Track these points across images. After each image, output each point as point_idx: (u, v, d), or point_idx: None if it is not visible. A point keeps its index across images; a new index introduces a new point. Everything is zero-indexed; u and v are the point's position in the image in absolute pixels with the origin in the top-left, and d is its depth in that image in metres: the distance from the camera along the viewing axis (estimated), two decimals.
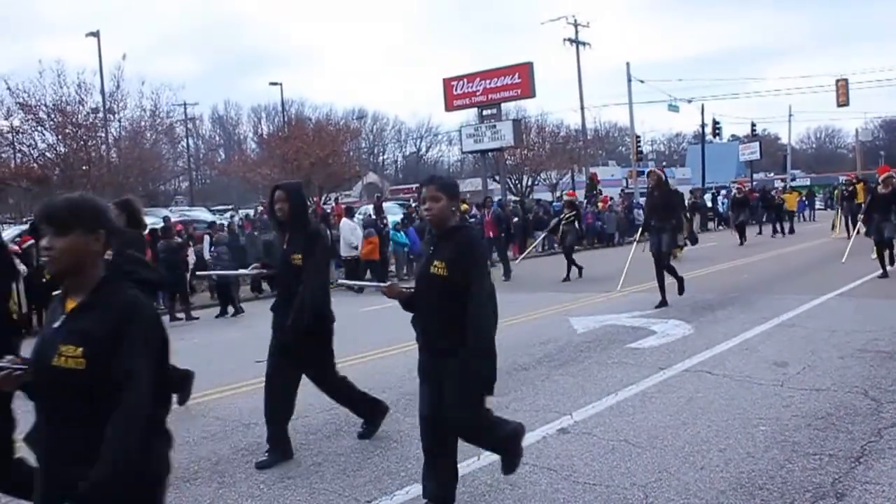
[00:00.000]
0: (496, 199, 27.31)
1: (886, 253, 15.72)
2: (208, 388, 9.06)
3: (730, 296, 13.97)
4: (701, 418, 6.61)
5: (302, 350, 6.24)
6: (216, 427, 7.36)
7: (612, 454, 5.84)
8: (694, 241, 19.24)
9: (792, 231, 32.47)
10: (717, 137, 59.30)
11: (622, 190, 48.08)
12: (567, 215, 20.51)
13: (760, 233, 32.16)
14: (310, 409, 7.75)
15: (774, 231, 31.91)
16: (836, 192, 26.98)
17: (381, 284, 5.16)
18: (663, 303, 13.21)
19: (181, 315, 17.51)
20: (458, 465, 5.71)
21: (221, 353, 12.05)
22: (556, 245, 27.60)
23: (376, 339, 11.67)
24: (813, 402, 6.92)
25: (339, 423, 7.18)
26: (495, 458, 5.86)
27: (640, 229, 15.60)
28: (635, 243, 16.05)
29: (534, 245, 26.27)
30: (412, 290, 4.90)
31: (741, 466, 5.43)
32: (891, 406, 6.63)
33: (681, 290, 13.60)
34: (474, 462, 5.82)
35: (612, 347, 9.95)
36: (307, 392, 8.41)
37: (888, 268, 15.40)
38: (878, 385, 7.35)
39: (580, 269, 19.41)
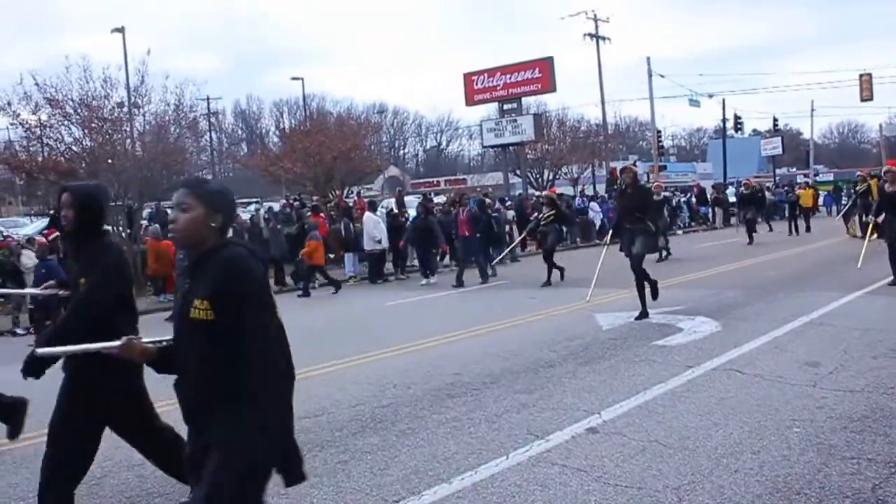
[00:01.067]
0: (481, 196, 26.68)
1: None
2: None
3: (755, 293, 13.80)
4: (732, 419, 6.49)
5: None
6: None
7: (643, 455, 5.73)
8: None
9: (808, 229, 30.85)
10: (739, 132, 58.92)
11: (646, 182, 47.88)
12: (546, 214, 18.87)
13: (771, 230, 31.34)
14: (337, 404, 7.71)
15: (791, 230, 29.98)
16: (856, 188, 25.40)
17: (111, 345, 3.59)
18: (643, 314, 11.83)
19: None
20: (486, 465, 5.66)
21: None
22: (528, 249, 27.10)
23: (402, 334, 11.62)
24: (847, 403, 6.78)
25: (365, 420, 7.10)
26: (524, 457, 5.81)
27: (611, 231, 13.94)
28: (605, 247, 14.29)
29: (510, 248, 24.51)
30: (163, 343, 3.54)
31: (776, 470, 5.31)
32: None
33: (654, 295, 12.33)
34: (502, 461, 5.74)
35: (639, 345, 9.83)
36: (332, 388, 8.43)
37: None
38: None
39: (561, 270, 18.09)
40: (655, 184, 26.74)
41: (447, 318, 13.56)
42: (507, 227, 27.01)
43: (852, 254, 16.74)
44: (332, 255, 23.13)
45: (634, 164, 22.91)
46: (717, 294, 13.88)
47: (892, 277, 13.66)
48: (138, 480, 5.94)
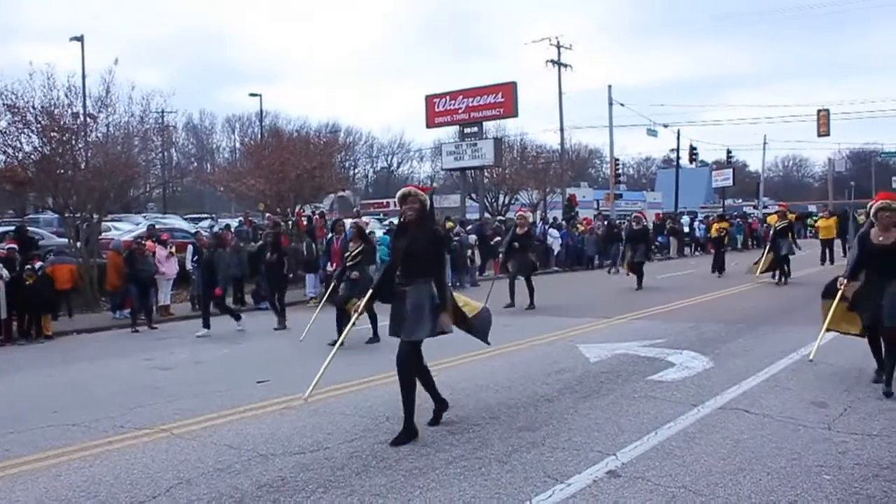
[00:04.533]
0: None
1: None
2: (211, 412, 8.56)
3: (737, 327, 13.63)
4: (756, 464, 6.19)
5: None
6: (231, 457, 6.82)
7: (675, 503, 5.40)
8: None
9: (832, 261, 28.31)
10: (694, 163, 59.52)
11: (598, 212, 47.98)
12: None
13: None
14: (330, 438, 7.28)
15: (713, 269, 26.08)
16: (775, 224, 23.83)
17: None
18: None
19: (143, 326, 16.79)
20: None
21: (216, 372, 11.46)
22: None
23: (377, 362, 11.20)
24: (870, 448, 6.54)
25: (366, 458, 6.67)
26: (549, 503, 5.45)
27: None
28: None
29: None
30: None
31: None
32: None
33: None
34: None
35: (633, 379, 9.54)
36: (321, 419, 7.99)
37: None
38: None
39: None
40: (637, 213, 26.75)
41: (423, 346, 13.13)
42: (470, 252, 26.77)
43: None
44: (290, 275, 22.56)
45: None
46: (697, 327, 13.67)
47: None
48: None
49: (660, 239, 41.04)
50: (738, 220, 47.47)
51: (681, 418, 7.64)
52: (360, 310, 8.04)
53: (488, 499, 5.58)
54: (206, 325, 15.47)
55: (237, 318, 16.07)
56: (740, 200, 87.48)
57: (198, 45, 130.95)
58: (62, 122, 19.36)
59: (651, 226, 33.13)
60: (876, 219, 8.58)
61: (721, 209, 62.66)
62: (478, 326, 8.17)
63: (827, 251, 29.17)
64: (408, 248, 7.36)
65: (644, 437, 7.01)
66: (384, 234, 24.81)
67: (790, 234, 22.66)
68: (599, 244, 33.76)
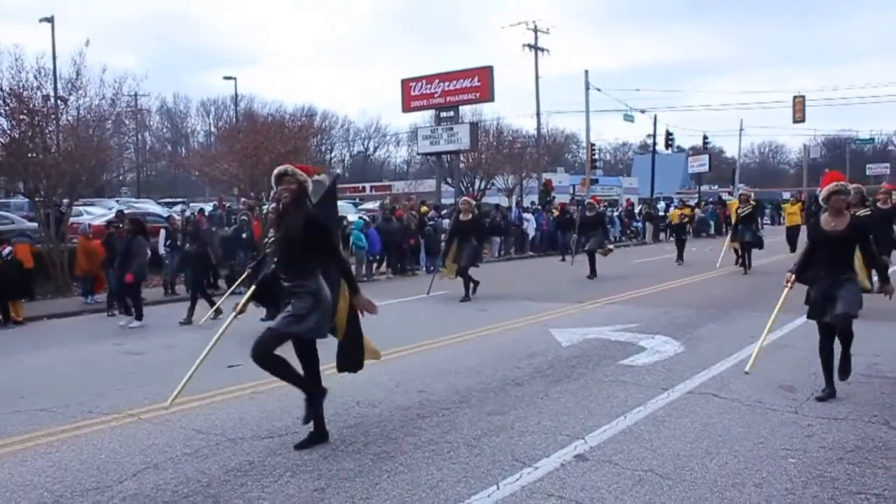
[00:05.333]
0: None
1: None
2: (181, 396, 8.48)
3: (708, 312, 13.71)
4: (723, 447, 6.23)
5: None
6: (199, 442, 6.79)
7: (642, 486, 5.42)
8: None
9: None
10: (671, 148, 59.70)
11: (572, 197, 48.04)
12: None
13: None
14: (297, 422, 7.23)
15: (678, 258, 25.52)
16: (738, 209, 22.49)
17: None
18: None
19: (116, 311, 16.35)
20: (477, 496, 5.28)
21: (187, 357, 11.34)
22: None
23: None
24: (836, 432, 6.60)
25: (334, 442, 6.67)
26: (516, 486, 5.44)
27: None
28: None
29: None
30: None
31: None
32: None
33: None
34: (494, 492, 5.38)
35: (604, 364, 9.57)
36: (289, 404, 7.94)
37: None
38: None
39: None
40: (591, 198, 26.44)
41: (397, 330, 13.07)
42: (443, 236, 26.70)
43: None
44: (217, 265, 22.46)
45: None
46: (670, 312, 13.74)
47: None
48: None
49: (635, 224, 41.30)
50: (712, 206, 47.66)
51: (650, 402, 7.68)
52: (238, 309, 7.03)
53: (455, 482, 5.58)
54: (128, 313, 14.77)
55: (139, 315, 14.73)
56: (716, 186, 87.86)
57: (172, 27, 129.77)
58: (31, 105, 19.12)
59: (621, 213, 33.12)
60: (827, 203, 7.78)
61: (697, 195, 63.05)
62: (355, 355, 6.99)
63: (792, 238, 27.78)
64: (283, 236, 6.49)
65: (613, 421, 7.04)
66: (358, 218, 24.79)
67: (755, 222, 21.95)
68: (551, 232, 33.46)
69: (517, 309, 14.79)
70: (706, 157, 65.55)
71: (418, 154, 51.84)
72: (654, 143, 57.15)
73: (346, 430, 7.03)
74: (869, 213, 12.83)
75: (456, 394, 8.26)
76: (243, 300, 7.07)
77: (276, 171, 6.54)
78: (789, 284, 8.03)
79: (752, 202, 22.61)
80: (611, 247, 22.51)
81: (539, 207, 37.76)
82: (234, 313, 7.06)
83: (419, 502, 5.26)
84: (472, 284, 17.09)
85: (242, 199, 26.32)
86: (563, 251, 28.69)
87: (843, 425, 6.81)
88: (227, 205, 30.63)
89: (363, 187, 71.24)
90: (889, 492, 5.24)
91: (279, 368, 6.44)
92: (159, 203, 41.23)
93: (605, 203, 43.61)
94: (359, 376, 9.12)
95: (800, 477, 5.55)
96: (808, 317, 7.98)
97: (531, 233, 32.84)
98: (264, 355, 6.27)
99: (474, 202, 20.77)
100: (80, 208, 28.84)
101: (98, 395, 8.75)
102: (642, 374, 8.98)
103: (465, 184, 45.91)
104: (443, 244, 18.19)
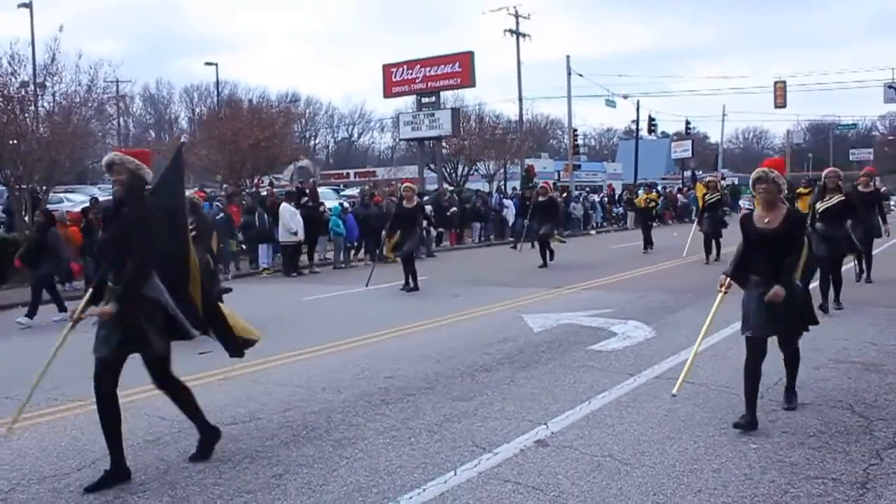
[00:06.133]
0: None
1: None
2: (148, 383, 8.41)
3: (683, 297, 13.72)
4: (685, 432, 6.23)
5: None
6: (162, 429, 6.75)
7: (599, 472, 5.41)
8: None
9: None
10: (653, 134, 59.77)
11: (555, 183, 47.96)
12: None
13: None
14: (264, 409, 7.23)
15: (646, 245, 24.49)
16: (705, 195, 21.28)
17: None
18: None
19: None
20: (433, 482, 5.27)
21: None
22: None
23: (325, 331, 11.18)
24: (799, 417, 6.60)
25: (297, 428, 6.63)
26: (473, 472, 5.42)
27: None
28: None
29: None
30: None
31: (741, 490, 5.04)
32: (881, 424, 6.34)
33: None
34: (451, 477, 5.36)
35: (574, 349, 9.56)
36: (257, 390, 7.94)
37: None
38: (861, 400, 7.09)
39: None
40: (543, 183, 25.52)
41: (371, 315, 13.10)
42: (425, 223, 26.63)
43: None
44: (243, 246, 22.39)
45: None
46: (645, 297, 13.76)
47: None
48: (51, 495, 5.35)
49: (616, 210, 41.33)
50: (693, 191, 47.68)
51: (616, 388, 7.67)
52: (76, 316, 5.85)
53: (413, 468, 5.56)
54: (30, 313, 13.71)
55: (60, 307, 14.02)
56: (700, 172, 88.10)
57: (155, 13, 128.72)
58: (6, 92, 18.93)
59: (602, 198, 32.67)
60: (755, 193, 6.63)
61: (681, 181, 63.16)
62: (236, 342, 6.28)
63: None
64: (110, 235, 5.70)
65: (577, 407, 7.02)
66: (338, 204, 24.70)
67: (720, 209, 21.03)
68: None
69: (492, 294, 14.77)
70: (689, 142, 65.66)
71: (400, 140, 51.65)
72: (638, 129, 57.30)
73: (310, 416, 6.99)
74: (843, 199, 12.54)
75: (423, 379, 8.22)
76: (79, 308, 5.85)
77: (104, 161, 5.75)
78: (723, 288, 6.86)
79: (720, 189, 21.99)
80: (563, 239, 21.68)
81: (520, 193, 37.68)
82: (69, 323, 5.95)
83: (375, 488, 5.23)
84: (413, 279, 16.11)
85: (225, 186, 26.21)
86: (517, 238, 26.64)
87: (807, 410, 6.81)
88: (206, 191, 30.46)
89: (347, 173, 70.97)
90: (845, 476, 5.24)
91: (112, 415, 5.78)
92: None
93: (564, 189, 42.09)
94: (328, 363, 9.16)
95: (759, 462, 5.55)
96: (741, 331, 6.83)
97: (511, 219, 32.77)
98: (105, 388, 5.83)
99: (453, 187, 20.56)
100: (61, 195, 28.67)
101: (64, 383, 8.60)
102: (610, 359, 8.98)
103: (447, 170, 45.85)
104: (383, 233, 17.02)
